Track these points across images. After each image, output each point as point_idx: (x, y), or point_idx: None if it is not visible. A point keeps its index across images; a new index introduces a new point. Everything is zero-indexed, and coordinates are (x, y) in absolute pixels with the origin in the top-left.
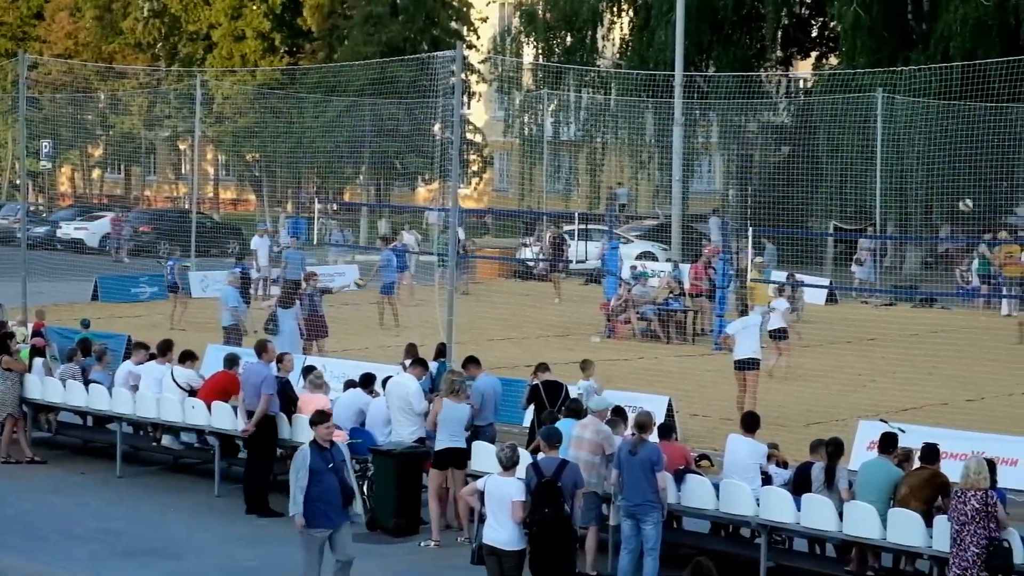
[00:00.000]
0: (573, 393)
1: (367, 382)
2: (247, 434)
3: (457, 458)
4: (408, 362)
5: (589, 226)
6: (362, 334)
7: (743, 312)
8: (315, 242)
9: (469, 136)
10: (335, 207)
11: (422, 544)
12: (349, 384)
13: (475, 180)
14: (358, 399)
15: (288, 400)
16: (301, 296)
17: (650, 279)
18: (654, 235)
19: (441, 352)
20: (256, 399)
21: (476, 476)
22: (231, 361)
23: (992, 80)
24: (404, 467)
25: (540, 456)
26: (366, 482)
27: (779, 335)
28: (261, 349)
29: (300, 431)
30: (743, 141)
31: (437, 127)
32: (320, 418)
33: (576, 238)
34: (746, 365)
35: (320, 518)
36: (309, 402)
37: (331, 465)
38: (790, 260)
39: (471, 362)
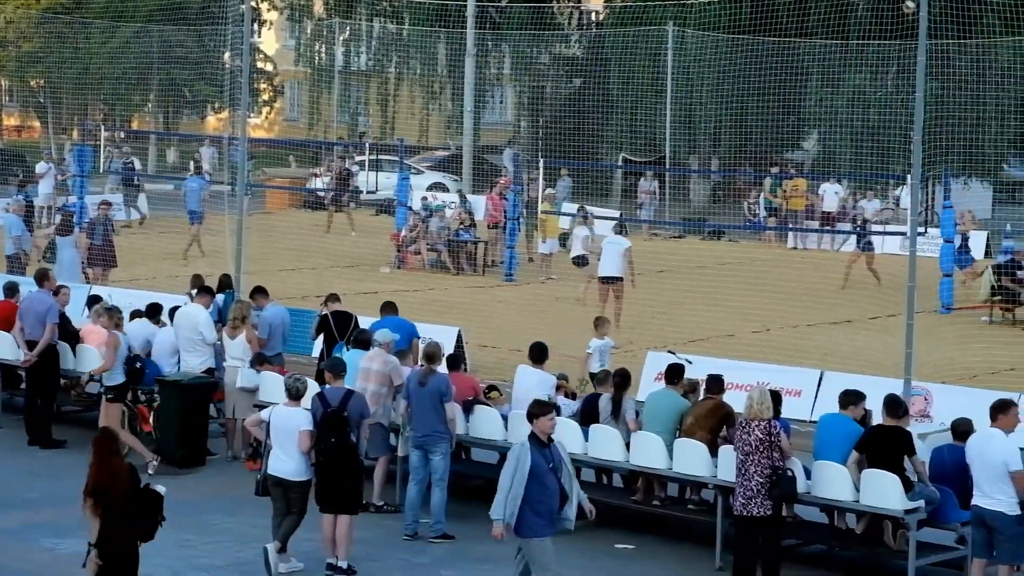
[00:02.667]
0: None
1: (153, 312)
2: (29, 364)
3: None
4: (195, 292)
5: (380, 157)
6: (149, 264)
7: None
8: (101, 171)
9: (260, 65)
10: (122, 135)
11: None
12: (135, 314)
13: (265, 110)
14: (144, 329)
15: (66, 332)
16: (93, 224)
17: (446, 211)
18: (445, 166)
19: (226, 284)
20: (39, 329)
21: (263, 406)
22: (10, 290)
23: (780, 15)
24: (190, 398)
25: (326, 386)
26: (152, 413)
27: (580, 261)
28: (42, 278)
29: (84, 361)
30: (535, 73)
31: (227, 55)
32: (540, 409)
33: (366, 169)
34: (611, 280)
35: (535, 526)
36: (91, 333)
37: (551, 465)
38: (581, 192)
39: (258, 292)
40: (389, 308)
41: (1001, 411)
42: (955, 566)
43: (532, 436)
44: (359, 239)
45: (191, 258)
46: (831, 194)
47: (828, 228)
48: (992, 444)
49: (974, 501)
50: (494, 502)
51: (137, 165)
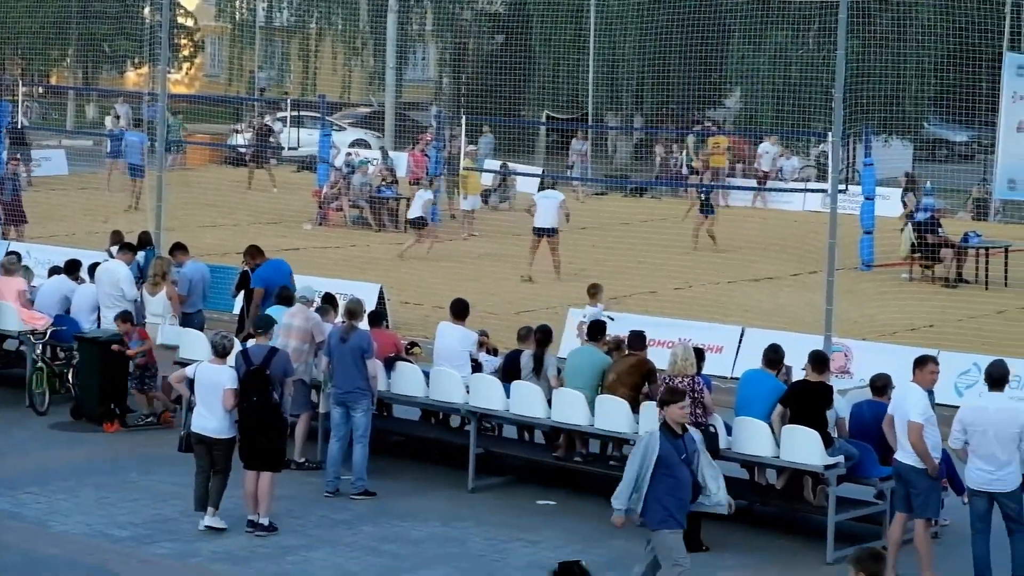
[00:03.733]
0: (578, 319)
1: (72, 268)
2: None
3: None
4: (115, 249)
5: (301, 113)
6: (68, 220)
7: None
8: (19, 126)
9: (180, 20)
10: (41, 90)
11: None
12: (54, 271)
13: (186, 65)
14: (63, 286)
15: None
16: (2, 180)
17: (368, 168)
18: (367, 123)
19: (146, 241)
20: None
21: (185, 363)
22: None
23: None
24: (110, 355)
25: (250, 343)
26: (71, 370)
27: (418, 223)
28: None
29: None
30: (457, 29)
31: (147, 10)
32: (672, 397)
33: (288, 125)
34: (546, 232)
35: (665, 518)
36: (3, 285)
37: (683, 456)
38: (504, 149)
39: (178, 248)
40: (258, 252)
41: (917, 367)
42: (874, 521)
43: (663, 425)
44: (281, 195)
45: (111, 216)
46: (768, 153)
47: (754, 186)
48: (907, 399)
49: (895, 455)
50: (617, 489)
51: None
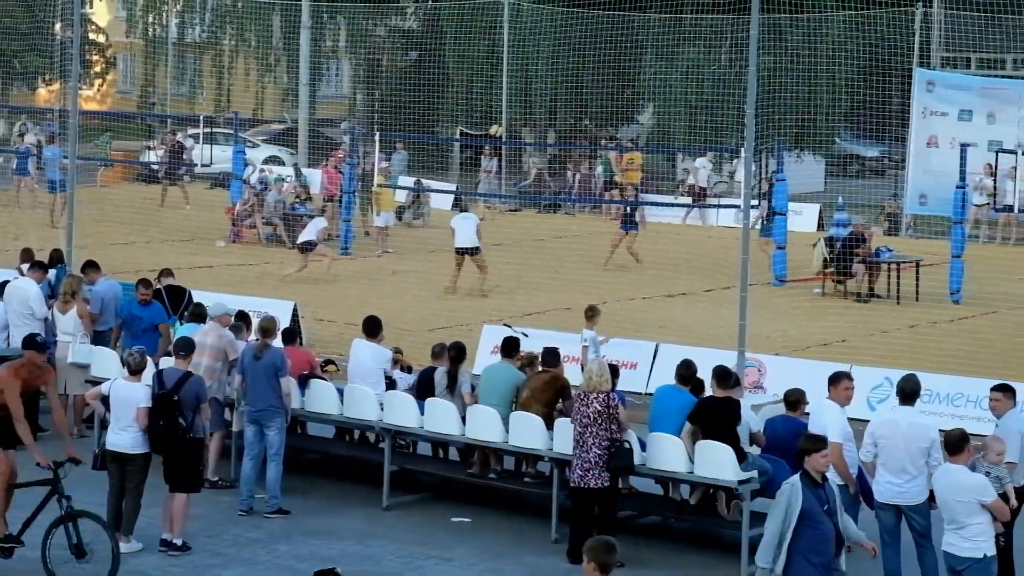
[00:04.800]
0: (577, 343)
1: None
2: None
3: None
4: (26, 266)
5: (214, 130)
6: None
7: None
8: None
9: (92, 36)
10: None
11: None
12: None
13: (98, 82)
14: None
15: None
16: None
17: (283, 184)
18: (281, 139)
19: (57, 258)
20: None
21: (98, 382)
22: None
23: None
24: None
25: (167, 365)
26: None
27: (307, 247)
28: None
29: None
30: (371, 46)
31: (58, 26)
32: (813, 445)
33: (201, 142)
34: (466, 251)
35: (808, 574)
36: None
37: (826, 506)
38: (418, 166)
39: (90, 266)
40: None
41: (832, 384)
42: None
43: (804, 474)
44: (194, 212)
45: (21, 235)
46: (703, 169)
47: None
48: (823, 417)
49: None
50: (760, 547)
51: None
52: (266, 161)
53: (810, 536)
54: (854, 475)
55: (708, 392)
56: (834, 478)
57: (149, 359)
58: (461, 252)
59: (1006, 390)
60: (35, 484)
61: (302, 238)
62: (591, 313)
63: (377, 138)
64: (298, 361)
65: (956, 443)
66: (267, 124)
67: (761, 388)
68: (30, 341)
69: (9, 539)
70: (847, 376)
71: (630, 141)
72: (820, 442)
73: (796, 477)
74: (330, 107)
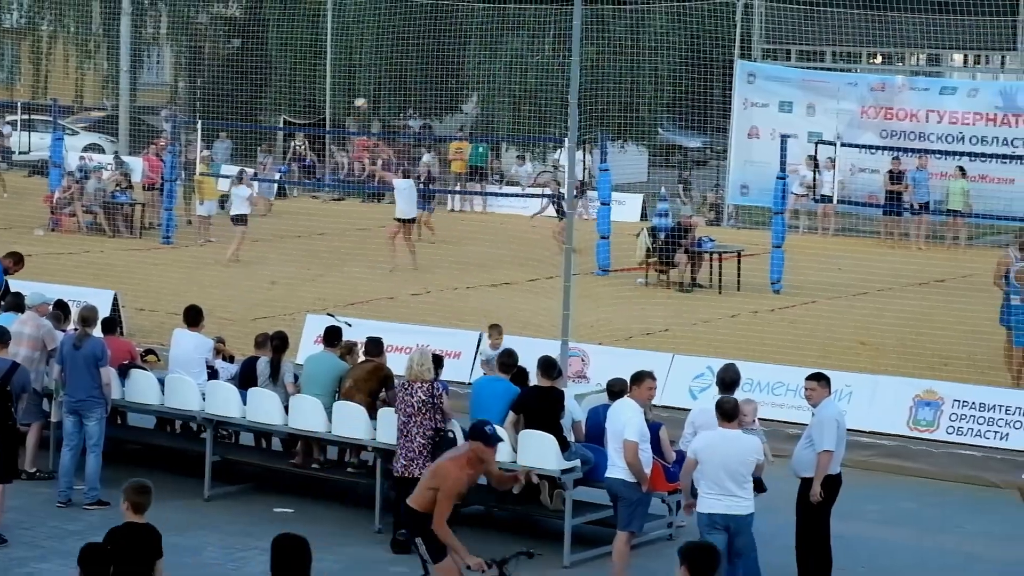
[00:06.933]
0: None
1: None
2: None
3: None
4: None
5: (33, 117)
6: None
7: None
8: None
9: None
10: None
11: None
12: None
13: None
14: None
15: None
16: None
17: (102, 173)
18: (101, 127)
19: None
20: None
21: None
22: None
23: None
24: None
25: None
26: None
27: (240, 220)
28: None
29: None
30: (193, 33)
31: None
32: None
33: (19, 129)
34: (405, 221)
35: None
36: None
37: None
38: (241, 154)
39: None
40: None
41: (635, 383)
42: (610, 524)
43: None
44: (11, 200)
45: None
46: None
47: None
48: (622, 416)
49: (606, 473)
50: None
51: None
52: (86, 149)
53: None
54: (648, 474)
55: (533, 381)
56: (628, 477)
57: None
58: (405, 222)
59: (821, 379)
60: None
61: (234, 211)
62: (492, 333)
63: (199, 126)
64: (118, 351)
65: (732, 410)
66: (87, 111)
67: (584, 378)
68: None
69: None
70: (650, 376)
71: (460, 131)
72: None
73: None
74: (151, 95)
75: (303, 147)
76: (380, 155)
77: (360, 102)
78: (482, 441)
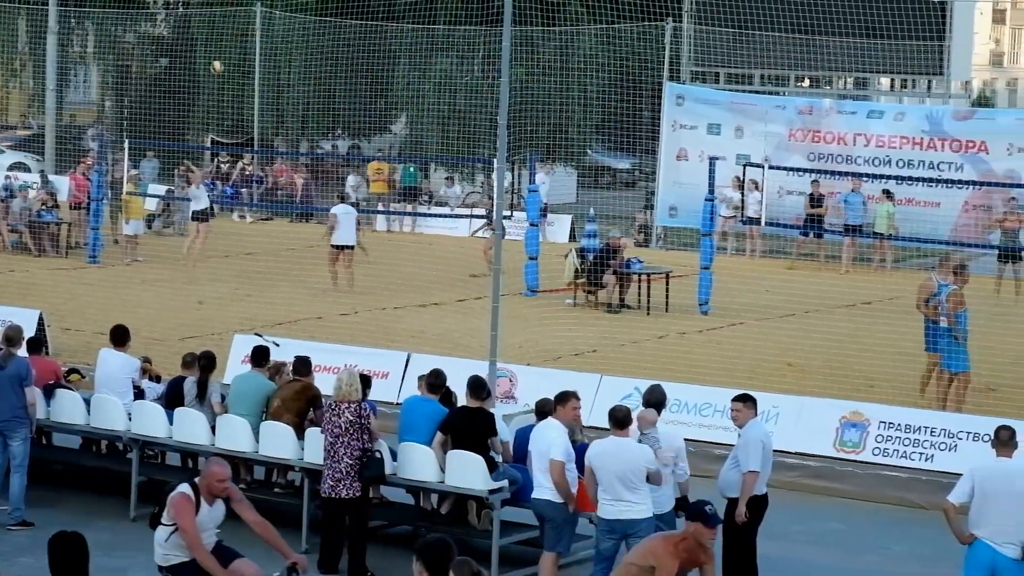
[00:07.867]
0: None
1: None
2: None
3: None
4: None
5: None
6: None
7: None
8: None
9: None
10: None
11: None
12: None
13: None
14: None
15: None
16: None
17: (28, 192)
18: (27, 145)
19: None
20: None
21: None
22: None
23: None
24: None
25: None
26: None
27: (201, 216)
28: None
29: None
30: (120, 52)
31: None
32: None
33: None
34: (345, 247)
35: None
36: None
37: None
38: (168, 174)
39: None
40: None
41: (559, 403)
42: (537, 544)
43: None
44: None
45: None
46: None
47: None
48: (547, 436)
49: (533, 494)
50: None
51: None
52: (11, 168)
53: None
54: (574, 493)
55: (461, 402)
56: (555, 497)
57: None
58: (338, 248)
59: (747, 400)
60: None
61: (193, 207)
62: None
63: (126, 145)
64: (43, 370)
65: (624, 419)
66: (12, 130)
67: (513, 398)
68: None
69: None
70: (575, 396)
71: (379, 151)
72: None
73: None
74: (78, 113)
75: (229, 166)
76: (299, 176)
77: (217, 66)
78: (702, 522)
